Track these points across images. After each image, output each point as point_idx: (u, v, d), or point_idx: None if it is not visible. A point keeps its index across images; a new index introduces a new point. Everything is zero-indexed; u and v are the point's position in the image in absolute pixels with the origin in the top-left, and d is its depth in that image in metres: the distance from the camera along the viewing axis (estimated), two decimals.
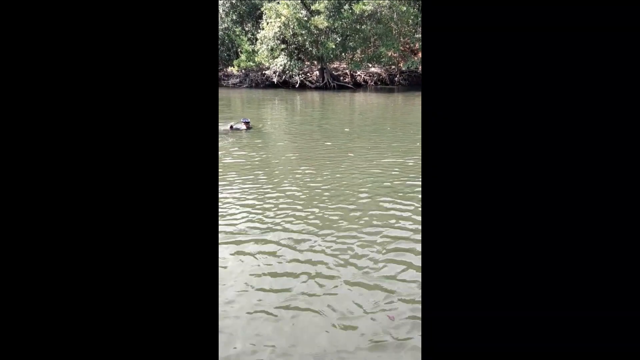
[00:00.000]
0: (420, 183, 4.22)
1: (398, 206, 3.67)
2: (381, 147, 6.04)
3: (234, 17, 16.56)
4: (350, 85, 16.24)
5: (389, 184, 4.29)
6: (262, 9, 15.43)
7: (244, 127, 7.34)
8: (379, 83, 16.88)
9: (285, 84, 15.94)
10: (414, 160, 5.17)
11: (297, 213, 3.52)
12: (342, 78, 16.67)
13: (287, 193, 4.01)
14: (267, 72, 16.03)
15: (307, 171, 4.77)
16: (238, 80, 16.88)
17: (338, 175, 4.57)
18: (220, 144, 6.15)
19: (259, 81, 16.54)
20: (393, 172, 4.68)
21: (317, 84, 16.09)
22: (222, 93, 14.27)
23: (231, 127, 7.33)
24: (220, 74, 17.33)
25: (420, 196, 3.88)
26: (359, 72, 16.74)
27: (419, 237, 3.06)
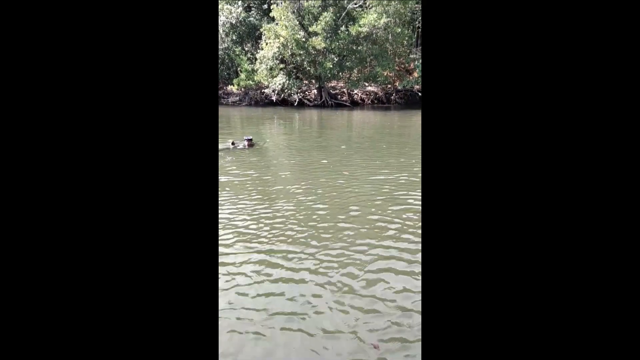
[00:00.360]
0: (412, 198, 4.34)
1: (391, 222, 3.72)
2: (376, 163, 6.13)
3: (234, 38, 16.98)
4: (347, 104, 16.53)
5: (381, 199, 4.35)
6: (261, 30, 15.87)
7: (245, 144, 7.37)
8: (376, 101, 17.19)
9: (284, 102, 16.21)
10: (407, 177, 5.25)
11: (291, 230, 3.55)
12: (339, 96, 16.98)
13: (281, 210, 4.05)
14: (266, 90, 16.32)
15: (302, 188, 4.82)
16: (237, 98, 17.16)
17: (334, 193, 4.62)
18: (219, 162, 6.21)
19: (258, 99, 16.82)
20: (386, 189, 4.75)
21: (315, 102, 16.37)
22: (222, 111, 14.43)
23: (232, 143, 7.38)
24: (220, 92, 17.60)
25: (412, 211, 3.96)
26: (356, 91, 17.08)
27: (410, 252, 3.11)
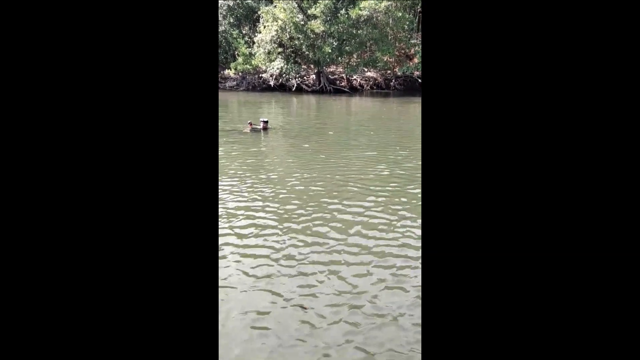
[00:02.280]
0: (370, 173, 4.86)
1: (342, 189, 4.19)
2: (355, 151, 6.27)
3: (231, 20, 16.63)
4: (346, 89, 16.36)
5: (343, 173, 4.72)
6: (259, 12, 15.54)
7: (261, 126, 7.62)
8: (375, 87, 17.02)
9: (282, 87, 16.02)
10: (376, 155, 5.63)
11: (268, 193, 4.16)
12: (338, 82, 16.79)
13: (263, 181, 4.64)
14: (263, 75, 16.10)
15: (285, 166, 5.02)
16: (235, 83, 16.92)
17: (306, 169, 4.98)
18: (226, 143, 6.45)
19: (255, 84, 16.60)
20: (349, 166, 5.21)
21: (314, 87, 16.19)
22: (219, 95, 14.24)
23: (250, 123, 7.64)
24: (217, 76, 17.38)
25: (362, 181, 4.58)
26: (355, 77, 16.88)
27: (386, 238, 3.23)
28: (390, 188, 4.37)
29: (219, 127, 7.88)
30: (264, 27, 15.02)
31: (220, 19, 16.43)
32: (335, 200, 3.96)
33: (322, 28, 14.11)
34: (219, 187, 4.37)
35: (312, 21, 14.24)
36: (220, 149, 6.14)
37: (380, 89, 16.90)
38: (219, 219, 3.51)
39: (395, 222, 3.45)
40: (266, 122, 7.67)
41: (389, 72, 17.00)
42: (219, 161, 5.38)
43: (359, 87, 16.95)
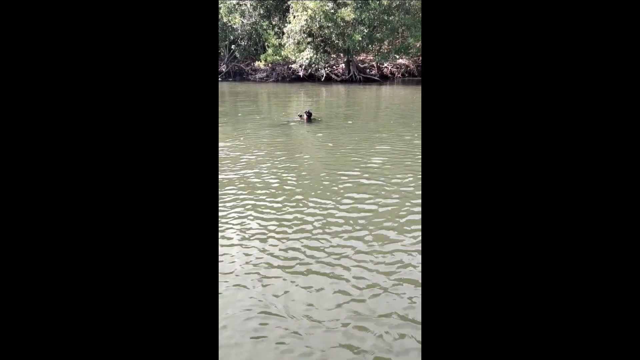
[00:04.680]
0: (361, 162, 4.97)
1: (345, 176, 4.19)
2: (367, 141, 6.24)
3: (262, 12, 16.70)
4: (376, 78, 16.01)
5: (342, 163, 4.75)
6: (289, 3, 15.47)
7: (304, 117, 7.92)
8: (407, 75, 16.52)
9: (311, 78, 15.95)
10: (382, 159, 5.51)
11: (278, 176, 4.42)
12: (368, 70, 16.46)
13: (273, 166, 4.90)
14: (293, 65, 16.09)
15: (294, 152, 5.09)
16: (265, 74, 17.07)
17: (308, 156, 5.04)
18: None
19: (285, 75, 16.65)
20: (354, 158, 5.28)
21: (343, 77, 15.98)
22: (249, 87, 14.56)
23: (300, 116, 7.98)
24: (247, 68, 17.61)
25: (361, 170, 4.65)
26: (385, 64, 16.47)
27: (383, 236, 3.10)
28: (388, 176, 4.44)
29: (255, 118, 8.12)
30: (294, 17, 14.94)
31: (250, 10, 16.56)
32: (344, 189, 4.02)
33: (352, 16, 13.81)
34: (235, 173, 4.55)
35: (342, 9, 13.97)
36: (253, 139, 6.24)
37: (413, 77, 16.38)
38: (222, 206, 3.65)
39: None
40: (310, 114, 7.88)
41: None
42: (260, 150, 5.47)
43: (389, 75, 16.52)
